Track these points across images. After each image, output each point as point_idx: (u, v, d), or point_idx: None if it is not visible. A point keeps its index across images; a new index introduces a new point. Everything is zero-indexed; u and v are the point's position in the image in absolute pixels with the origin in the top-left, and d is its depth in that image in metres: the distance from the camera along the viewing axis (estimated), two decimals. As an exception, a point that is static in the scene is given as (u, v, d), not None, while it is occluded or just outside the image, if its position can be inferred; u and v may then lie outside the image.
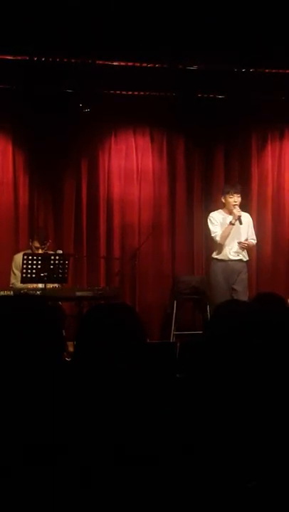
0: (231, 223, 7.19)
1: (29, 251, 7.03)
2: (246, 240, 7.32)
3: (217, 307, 2.27)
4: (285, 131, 8.67)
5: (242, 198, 7.73)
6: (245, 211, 7.67)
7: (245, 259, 7.39)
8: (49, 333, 1.82)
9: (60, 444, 1.64)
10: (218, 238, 7.26)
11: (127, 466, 1.65)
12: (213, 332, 2.10)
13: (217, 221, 7.33)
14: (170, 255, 8.45)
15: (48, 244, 7.12)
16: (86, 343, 1.94)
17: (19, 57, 6.84)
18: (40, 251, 6.97)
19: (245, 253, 7.40)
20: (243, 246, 7.29)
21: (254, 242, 7.55)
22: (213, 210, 7.55)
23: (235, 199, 7.25)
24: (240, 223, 7.21)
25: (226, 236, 7.22)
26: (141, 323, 2.06)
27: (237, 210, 7.19)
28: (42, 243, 7.02)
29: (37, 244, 7.02)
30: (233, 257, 7.28)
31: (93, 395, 1.80)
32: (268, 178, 8.61)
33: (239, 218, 7.19)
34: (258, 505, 1.72)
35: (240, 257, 7.34)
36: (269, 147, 8.64)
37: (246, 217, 7.43)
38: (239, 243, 7.26)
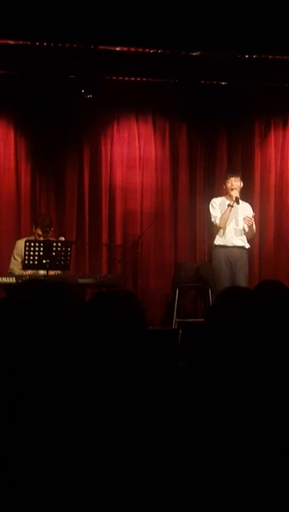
0: (230, 205, 7.22)
1: (32, 237, 7.02)
2: (250, 217, 7.31)
3: (219, 294, 2.25)
4: (288, 119, 8.61)
5: (244, 186, 7.72)
6: (247, 199, 7.66)
7: (247, 247, 7.40)
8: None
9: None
10: (217, 221, 7.31)
11: (127, 454, 1.64)
12: (215, 319, 2.08)
13: (218, 206, 7.39)
14: (172, 243, 8.43)
15: (50, 232, 7.10)
16: (88, 330, 1.92)
17: (21, 42, 6.79)
18: (42, 238, 6.95)
19: (246, 240, 7.41)
20: (249, 221, 7.28)
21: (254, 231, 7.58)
22: (216, 197, 7.58)
23: (232, 183, 7.30)
24: (238, 203, 7.23)
25: (225, 219, 7.25)
26: (143, 311, 2.05)
27: (234, 192, 7.21)
28: (44, 231, 6.99)
29: (39, 232, 7.00)
30: (236, 242, 7.29)
31: (95, 381, 1.79)
32: (270, 165, 8.57)
33: (237, 199, 7.22)
34: (258, 497, 1.71)
35: (243, 243, 7.35)
36: (272, 135, 8.59)
37: (246, 209, 7.43)
38: (244, 218, 7.27)
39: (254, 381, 2.01)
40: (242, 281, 7.15)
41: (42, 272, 6.64)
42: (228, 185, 7.32)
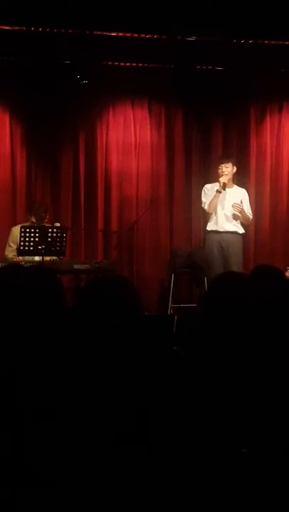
0: (218, 191, 7.28)
1: (28, 224, 7.01)
2: (238, 204, 7.31)
3: (214, 279, 2.26)
4: (284, 105, 8.58)
5: (240, 172, 7.72)
6: (243, 185, 7.67)
7: (240, 232, 7.44)
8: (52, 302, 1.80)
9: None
10: (206, 207, 7.42)
11: (121, 440, 1.65)
12: (210, 304, 2.09)
13: (209, 191, 7.48)
14: (168, 228, 8.43)
15: (46, 218, 7.09)
16: (83, 316, 1.93)
17: (16, 28, 6.75)
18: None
19: (239, 225, 7.44)
20: (237, 208, 7.29)
21: (250, 216, 7.57)
22: (211, 183, 7.62)
23: (223, 169, 7.41)
24: (224, 189, 7.30)
25: (213, 205, 7.34)
26: (138, 296, 2.05)
27: (223, 178, 7.27)
28: (39, 218, 6.99)
29: (33, 219, 7.00)
30: (227, 227, 7.33)
31: (89, 368, 1.80)
32: (266, 151, 8.55)
33: (224, 185, 7.29)
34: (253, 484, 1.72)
35: (236, 228, 7.39)
36: (268, 120, 8.57)
37: (242, 193, 7.46)
38: (233, 205, 7.29)
39: (249, 365, 2.02)
40: (235, 266, 7.20)
41: (37, 258, 6.63)
42: (219, 171, 7.42)
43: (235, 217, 7.40)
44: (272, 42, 7.27)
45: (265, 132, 8.56)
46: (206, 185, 7.56)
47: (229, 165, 7.44)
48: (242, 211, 7.38)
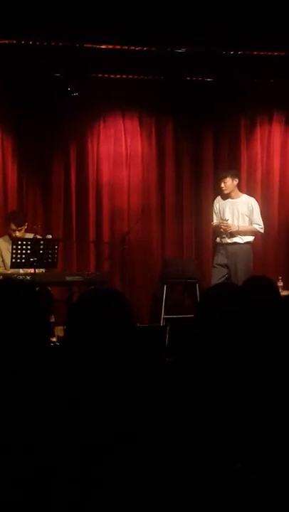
0: (219, 227, 7.40)
1: (7, 236, 7.00)
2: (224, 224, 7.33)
3: (207, 290, 2.26)
4: (274, 115, 8.63)
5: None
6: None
7: (242, 242, 7.41)
8: (36, 319, 1.81)
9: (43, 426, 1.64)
10: (212, 225, 7.63)
11: (116, 450, 1.65)
12: (203, 315, 2.09)
13: (215, 208, 7.58)
14: (159, 239, 8.44)
15: (25, 226, 7.06)
16: (76, 329, 1.93)
17: (6, 41, 6.77)
18: (18, 234, 6.91)
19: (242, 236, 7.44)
20: (223, 226, 7.30)
21: (258, 227, 7.48)
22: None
23: (221, 185, 7.45)
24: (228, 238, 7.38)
25: (216, 232, 7.56)
26: (130, 308, 2.05)
27: (228, 227, 7.32)
28: (18, 224, 6.96)
29: (13, 227, 6.96)
30: (226, 240, 7.34)
31: (82, 379, 1.79)
32: (257, 161, 8.60)
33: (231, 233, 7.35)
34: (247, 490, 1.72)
35: (236, 239, 7.39)
36: (258, 131, 8.61)
37: (248, 203, 7.50)
38: (220, 225, 7.34)
39: (242, 375, 2.02)
40: (240, 274, 7.15)
41: (29, 271, 6.62)
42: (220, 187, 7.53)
43: (237, 232, 7.40)
44: (261, 53, 7.32)
45: (256, 143, 8.60)
46: (215, 201, 7.61)
47: (227, 179, 7.43)
48: (227, 228, 7.32)
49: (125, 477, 1.60)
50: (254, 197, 7.97)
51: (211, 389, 1.96)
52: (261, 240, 8.45)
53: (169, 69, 7.62)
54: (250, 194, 8.41)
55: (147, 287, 8.30)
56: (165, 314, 7.90)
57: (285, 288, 7.54)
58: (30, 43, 6.79)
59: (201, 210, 8.28)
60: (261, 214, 7.68)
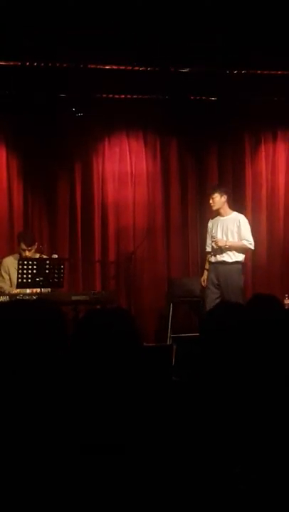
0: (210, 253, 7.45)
1: (17, 255, 7.03)
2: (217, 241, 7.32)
3: (209, 310, 2.28)
4: (278, 132, 8.68)
5: (236, 200, 7.74)
6: (240, 212, 7.69)
7: (230, 260, 7.30)
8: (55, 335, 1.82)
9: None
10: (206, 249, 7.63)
11: (123, 466, 1.66)
12: (207, 335, 2.11)
13: (209, 228, 7.56)
14: (165, 258, 8.45)
15: (36, 245, 7.10)
16: (81, 348, 1.95)
17: (12, 63, 6.84)
18: (28, 253, 6.94)
19: (231, 253, 7.33)
20: (216, 243, 7.29)
21: (247, 243, 7.37)
22: (207, 213, 7.72)
23: (210, 201, 7.46)
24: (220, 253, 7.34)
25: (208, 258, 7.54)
26: (136, 327, 2.07)
27: (216, 242, 7.32)
28: (28, 244, 6.99)
29: (24, 246, 6.99)
30: (220, 257, 7.32)
31: (88, 399, 1.81)
32: (261, 179, 8.63)
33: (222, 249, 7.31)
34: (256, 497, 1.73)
35: (224, 258, 7.31)
36: (262, 148, 8.65)
37: (236, 220, 7.42)
38: (213, 241, 7.34)
39: (248, 393, 2.03)
40: (233, 295, 7.09)
41: (35, 290, 6.64)
42: None
43: (229, 250, 7.34)
44: (264, 72, 7.38)
45: (260, 161, 8.64)
46: (209, 222, 7.58)
47: (216, 195, 7.39)
48: (227, 246, 7.28)
49: (129, 481, 1.62)
50: (259, 214, 7.98)
51: (216, 407, 1.97)
52: (266, 256, 8.48)
53: (172, 89, 7.68)
54: (255, 211, 8.46)
55: (153, 306, 8.30)
56: (172, 333, 7.90)
57: (291, 305, 7.52)
58: (35, 64, 6.86)
59: (206, 228, 8.29)
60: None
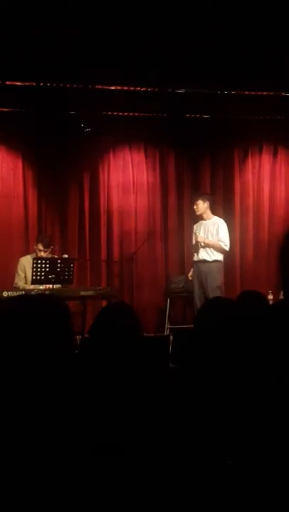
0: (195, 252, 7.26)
1: (34, 254, 7.03)
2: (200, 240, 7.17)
3: (202, 305, 2.29)
4: (264, 146, 8.70)
5: (226, 207, 7.71)
6: (229, 218, 7.67)
7: (210, 259, 7.11)
8: (60, 328, 1.80)
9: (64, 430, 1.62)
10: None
11: (124, 454, 1.64)
12: (201, 326, 2.12)
13: (194, 229, 7.37)
14: (163, 258, 8.47)
15: (51, 248, 7.10)
16: (94, 338, 1.96)
17: (27, 83, 6.85)
18: (43, 254, 6.94)
19: (210, 252, 7.13)
20: (201, 242, 7.15)
21: (222, 244, 7.12)
22: (200, 218, 7.68)
23: (194, 207, 7.33)
24: (201, 247, 7.15)
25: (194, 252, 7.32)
26: (138, 319, 2.07)
27: (196, 238, 7.18)
28: (45, 246, 7.00)
29: (41, 247, 6.99)
30: (201, 256, 7.16)
31: (97, 382, 1.81)
32: (248, 188, 8.64)
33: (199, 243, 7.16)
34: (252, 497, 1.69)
35: (204, 257, 7.14)
36: (249, 161, 8.67)
37: (216, 223, 7.25)
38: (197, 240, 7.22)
39: (239, 379, 2.03)
40: (211, 291, 6.96)
41: (48, 286, 6.65)
42: None
43: (206, 246, 7.15)
44: (251, 93, 7.38)
45: (248, 171, 8.65)
46: (195, 224, 7.43)
47: (199, 201, 7.26)
48: (204, 242, 7.12)
49: (129, 476, 1.59)
50: (246, 220, 7.94)
51: (209, 391, 1.97)
52: (252, 257, 8.50)
53: (170, 107, 7.69)
54: (243, 217, 8.48)
55: (153, 300, 8.31)
56: (169, 325, 7.91)
57: (274, 300, 7.52)
58: (48, 85, 6.86)
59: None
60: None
